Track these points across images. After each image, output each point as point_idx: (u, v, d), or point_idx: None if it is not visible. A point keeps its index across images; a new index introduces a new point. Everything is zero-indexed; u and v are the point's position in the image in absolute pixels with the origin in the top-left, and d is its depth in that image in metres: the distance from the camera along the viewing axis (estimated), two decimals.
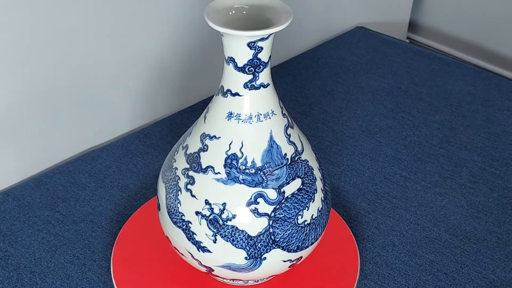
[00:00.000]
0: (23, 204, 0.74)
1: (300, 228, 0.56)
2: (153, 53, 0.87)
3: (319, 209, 0.57)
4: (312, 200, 0.56)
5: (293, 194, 0.55)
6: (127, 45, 0.83)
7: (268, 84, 0.53)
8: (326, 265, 0.66)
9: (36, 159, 0.80)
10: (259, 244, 0.55)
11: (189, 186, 0.55)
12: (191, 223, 0.55)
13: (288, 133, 0.55)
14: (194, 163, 0.55)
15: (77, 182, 0.78)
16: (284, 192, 0.54)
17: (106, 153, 0.83)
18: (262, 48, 0.50)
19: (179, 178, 0.56)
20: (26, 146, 0.78)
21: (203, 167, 0.54)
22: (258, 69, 0.52)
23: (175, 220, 0.56)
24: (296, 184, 0.55)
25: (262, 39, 0.50)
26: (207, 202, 0.54)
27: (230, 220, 0.54)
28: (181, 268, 0.64)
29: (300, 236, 0.56)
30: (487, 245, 0.71)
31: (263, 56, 0.51)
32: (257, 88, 0.53)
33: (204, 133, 0.55)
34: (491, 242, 0.72)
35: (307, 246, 0.58)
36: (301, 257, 0.58)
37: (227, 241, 0.54)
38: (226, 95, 0.53)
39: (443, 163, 0.83)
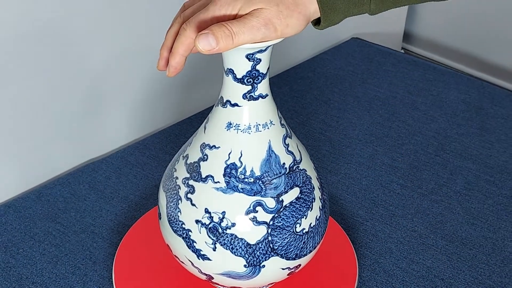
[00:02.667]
0: (24, 215, 0.75)
1: (298, 236, 0.57)
2: (152, 65, 0.87)
3: (317, 217, 0.58)
4: (310, 209, 0.57)
5: (291, 203, 0.56)
6: (126, 57, 0.84)
7: (266, 95, 0.54)
8: (325, 272, 0.67)
9: (36, 171, 0.81)
10: (258, 252, 0.55)
11: (189, 195, 0.56)
12: (191, 231, 0.56)
13: (287, 143, 0.56)
14: (194, 172, 0.56)
15: (78, 194, 0.79)
16: (282, 200, 0.55)
17: (106, 165, 0.84)
18: (260, 60, 0.52)
19: (179, 187, 0.56)
20: (27, 159, 0.79)
21: (203, 176, 0.55)
22: (256, 80, 0.53)
23: (175, 228, 0.57)
24: (294, 193, 0.56)
25: (261, 51, 0.51)
26: (206, 211, 0.55)
27: (230, 228, 0.55)
28: (182, 277, 0.65)
29: (298, 244, 0.57)
30: (482, 251, 0.72)
31: (262, 67, 0.52)
32: (256, 98, 0.54)
33: (204, 143, 0.56)
34: (487, 248, 0.73)
35: (306, 254, 0.58)
36: (300, 265, 0.59)
37: (226, 249, 0.55)
38: (225, 106, 0.54)
39: (439, 171, 0.84)
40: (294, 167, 0.56)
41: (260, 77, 0.53)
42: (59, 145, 0.82)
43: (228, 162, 0.54)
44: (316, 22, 0.52)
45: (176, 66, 0.49)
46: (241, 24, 0.47)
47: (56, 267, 0.69)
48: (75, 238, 0.72)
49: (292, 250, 0.57)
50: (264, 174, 0.55)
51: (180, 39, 0.49)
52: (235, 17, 0.48)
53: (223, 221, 0.55)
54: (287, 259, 0.57)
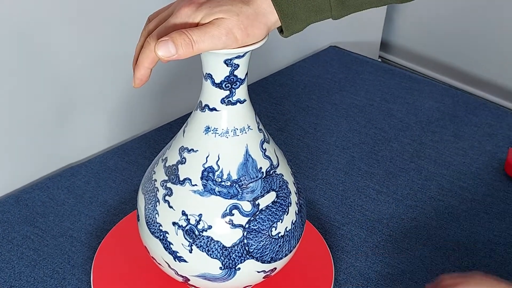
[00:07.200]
0: (2, 220, 0.75)
1: (274, 239, 0.58)
2: (131, 71, 0.88)
3: (293, 221, 0.59)
4: (286, 213, 0.58)
5: (267, 207, 0.57)
6: (105, 62, 0.84)
7: (244, 100, 0.55)
8: (302, 275, 0.68)
9: (15, 175, 0.81)
10: (234, 255, 0.56)
11: (167, 198, 0.56)
12: (168, 233, 0.56)
13: (264, 148, 0.57)
14: (172, 175, 0.56)
15: (56, 198, 0.79)
16: (258, 204, 0.56)
17: (85, 170, 0.84)
18: (238, 66, 0.53)
19: (157, 190, 0.57)
20: (5, 163, 0.79)
21: (181, 179, 0.56)
22: (234, 85, 0.54)
23: (153, 230, 0.57)
24: (270, 197, 0.57)
25: (239, 57, 0.52)
26: (183, 213, 0.56)
27: (206, 231, 0.55)
28: (159, 280, 0.66)
29: (274, 247, 0.58)
30: (455, 255, 0.74)
31: (240, 73, 0.53)
32: (234, 103, 0.55)
33: (182, 146, 0.57)
34: (460, 252, 0.74)
35: (281, 258, 0.59)
36: (275, 268, 0.60)
37: (202, 251, 0.56)
38: (204, 110, 0.55)
39: (414, 177, 0.86)
40: (271, 172, 0.57)
41: (238, 82, 0.54)
42: (37, 150, 0.82)
43: (206, 166, 0.55)
44: (281, 30, 0.53)
45: (142, 78, 0.51)
46: (202, 32, 0.48)
47: (34, 271, 0.69)
48: (54, 242, 0.72)
49: (267, 253, 0.58)
50: (241, 178, 0.56)
51: (144, 52, 0.50)
52: (197, 26, 0.49)
53: (199, 223, 0.55)
54: (262, 262, 0.58)
